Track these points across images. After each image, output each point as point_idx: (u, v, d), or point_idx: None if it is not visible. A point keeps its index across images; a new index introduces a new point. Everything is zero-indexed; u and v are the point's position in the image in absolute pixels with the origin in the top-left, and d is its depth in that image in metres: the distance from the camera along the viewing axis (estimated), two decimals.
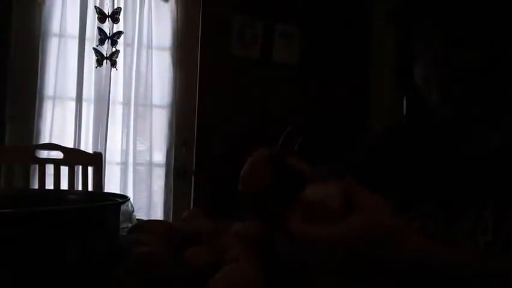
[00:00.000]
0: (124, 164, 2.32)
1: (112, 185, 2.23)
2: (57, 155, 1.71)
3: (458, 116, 0.69)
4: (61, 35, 2.22)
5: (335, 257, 0.50)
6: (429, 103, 0.71)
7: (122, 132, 2.33)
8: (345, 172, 0.57)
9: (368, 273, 0.51)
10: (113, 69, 2.28)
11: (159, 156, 2.42)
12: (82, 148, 2.18)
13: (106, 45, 2.26)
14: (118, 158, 2.32)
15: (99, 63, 2.25)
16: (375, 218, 0.50)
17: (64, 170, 1.67)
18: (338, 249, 0.49)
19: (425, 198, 0.70)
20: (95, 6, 2.25)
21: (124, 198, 0.67)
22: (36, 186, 1.72)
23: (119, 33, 2.28)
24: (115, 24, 2.28)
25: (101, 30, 2.25)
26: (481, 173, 0.66)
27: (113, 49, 2.27)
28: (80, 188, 1.71)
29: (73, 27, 2.24)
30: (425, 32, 0.69)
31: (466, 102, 0.66)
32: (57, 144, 1.77)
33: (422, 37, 0.69)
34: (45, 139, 2.15)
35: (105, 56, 2.26)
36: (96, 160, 1.76)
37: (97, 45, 2.25)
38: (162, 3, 2.41)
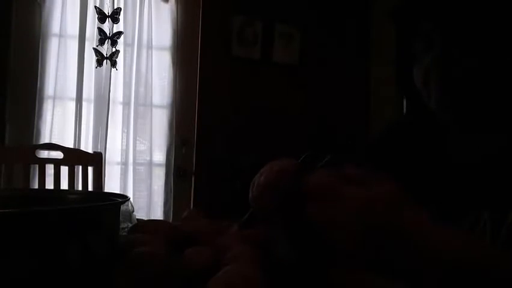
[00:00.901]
0: (124, 164, 2.32)
1: (112, 185, 2.24)
2: (57, 155, 1.71)
3: (457, 119, 0.69)
4: (61, 35, 2.22)
5: (354, 227, 0.49)
6: (429, 106, 0.70)
7: (122, 132, 2.33)
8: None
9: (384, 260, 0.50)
10: (113, 69, 2.28)
11: (159, 156, 2.42)
12: (82, 148, 2.19)
13: (106, 45, 2.26)
14: (118, 158, 2.32)
15: (99, 63, 2.25)
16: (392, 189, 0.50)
17: (64, 170, 1.68)
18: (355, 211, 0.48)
19: (423, 200, 0.70)
20: (95, 6, 2.25)
21: (124, 198, 0.66)
22: (36, 186, 1.72)
23: (119, 33, 2.28)
24: (115, 24, 2.28)
25: (101, 30, 2.25)
26: (480, 176, 0.66)
27: (113, 49, 2.27)
28: (80, 188, 1.71)
29: (73, 27, 2.24)
30: (425, 34, 0.69)
31: (466, 105, 0.66)
32: (57, 144, 1.77)
33: (422, 38, 0.69)
34: (45, 139, 2.15)
35: (105, 56, 2.26)
36: (96, 160, 1.76)
37: (97, 45, 2.26)
38: (162, 3, 2.41)
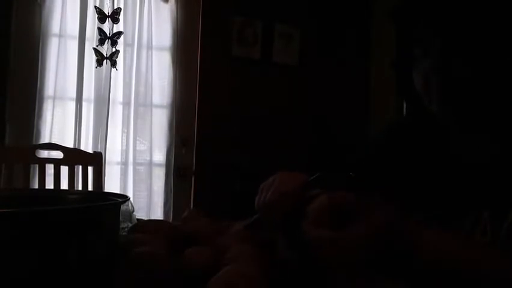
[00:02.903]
0: (124, 164, 2.32)
1: (112, 185, 2.23)
2: (57, 154, 1.71)
3: (458, 121, 0.69)
4: (61, 35, 2.21)
5: (351, 258, 0.51)
6: (429, 108, 0.70)
7: (122, 132, 2.33)
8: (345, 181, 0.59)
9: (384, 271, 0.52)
10: (113, 69, 2.28)
11: (159, 156, 2.42)
12: (82, 148, 2.18)
13: (106, 45, 2.26)
14: (118, 158, 2.32)
15: (99, 63, 2.25)
16: (383, 219, 0.51)
17: (64, 170, 1.67)
18: (353, 250, 0.50)
19: (424, 201, 0.70)
20: (95, 6, 2.25)
21: (124, 198, 0.66)
22: (36, 186, 1.72)
23: (119, 33, 2.28)
24: (115, 24, 2.28)
25: (101, 30, 2.25)
26: (480, 176, 0.66)
27: (113, 49, 2.27)
28: (80, 188, 1.71)
29: (73, 27, 2.24)
30: (424, 40, 0.68)
31: (466, 107, 0.66)
32: (57, 144, 1.77)
33: (421, 44, 0.69)
34: (45, 139, 2.15)
35: (105, 56, 2.26)
36: (96, 160, 1.76)
37: (97, 45, 2.26)
38: (162, 3, 2.41)
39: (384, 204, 0.54)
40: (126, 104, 2.33)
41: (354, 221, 0.52)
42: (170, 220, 2.25)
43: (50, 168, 1.68)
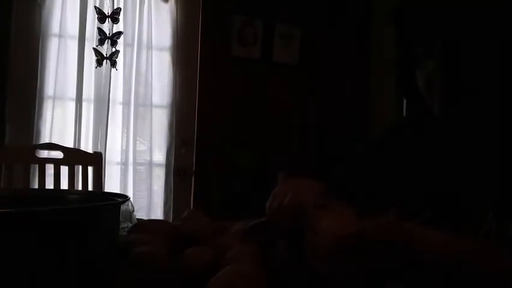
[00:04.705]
0: (124, 164, 2.32)
1: (112, 185, 2.23)
2: (57, 154, 1.71)
3: (460, 125, 0.69)
4: (61, 35, 2.21)
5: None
6: (432, 108, 0.70)
7: (122, 132, 2.33)
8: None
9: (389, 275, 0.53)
10: (113, 69, 2.28)
11: (159, 156, 2.42)
12: (82, 148, 2.18)
13: (106, 45, 2.26)
14: (118, 158, 2.32)
15: (99, 63, 2.25)
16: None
17: (64, 170, 1.67)
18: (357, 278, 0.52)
19: (429, 202, 0.70)
20: (95, 7, 2.25)
21: (124, 197, 0.67)
22: (36, 186, 1.72)
23: (119, 33, 2.28)
24: (114, 25, 2.28)
25: (101, 31, 2.25)
26: (484, 177, 0.66)
27: (113, 49, 2.27)
28: (80, 188, 1.71)
29: (73, 27, 2.24)
30: (424, 41, 0.68)
31: (468, 112, 0.66)
32: (57, 144, 1.77)
33: (422, 44, 0.69)
34: (45, 139, 2.15)
35: (105, 56, 2.26)
36: (96, 160, 1.76)
37: (97, 46, 2.25)
38: (162, 3, 2.41)
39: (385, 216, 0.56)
40: (126, 104, 2.33)
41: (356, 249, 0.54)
42: (170, 220, 2.25)
43: (50, 168, 1.68)
